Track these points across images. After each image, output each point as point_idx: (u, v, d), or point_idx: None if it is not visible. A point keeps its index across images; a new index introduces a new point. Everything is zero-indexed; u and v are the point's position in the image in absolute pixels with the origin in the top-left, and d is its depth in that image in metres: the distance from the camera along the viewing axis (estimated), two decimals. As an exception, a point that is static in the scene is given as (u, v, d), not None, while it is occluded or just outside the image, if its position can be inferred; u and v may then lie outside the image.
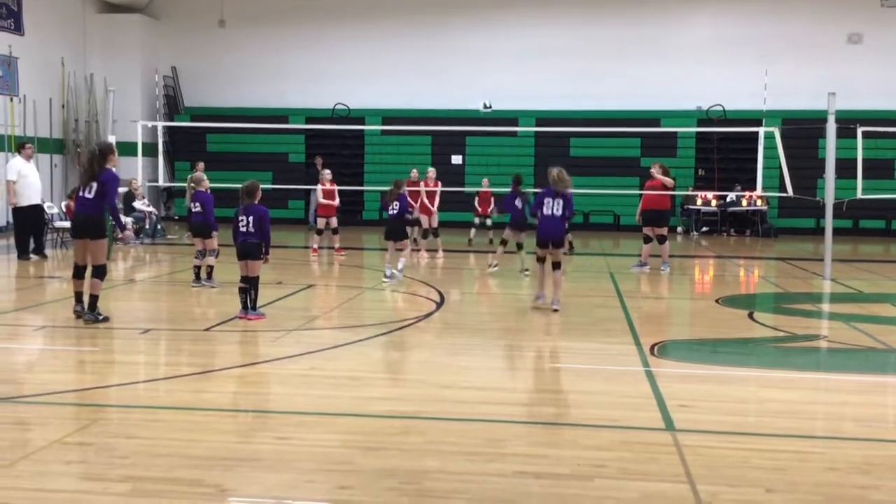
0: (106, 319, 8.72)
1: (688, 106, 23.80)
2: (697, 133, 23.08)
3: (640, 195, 14.93)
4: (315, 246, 15.85)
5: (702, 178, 23.63)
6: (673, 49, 23.94)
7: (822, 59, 23.06)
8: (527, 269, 12.87)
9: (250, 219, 9.13)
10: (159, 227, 19.61)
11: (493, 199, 17.95)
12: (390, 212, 12.44)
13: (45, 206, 15.92)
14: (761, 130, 16.20)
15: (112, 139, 14.73)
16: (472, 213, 18.87)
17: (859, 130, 14.19)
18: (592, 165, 23.28)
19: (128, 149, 18.80)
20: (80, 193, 8.88)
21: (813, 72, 22.67)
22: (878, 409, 6.24)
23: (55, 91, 22.70)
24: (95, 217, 8.82)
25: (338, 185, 16.13)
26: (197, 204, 11.56)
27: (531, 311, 9.86)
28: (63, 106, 23.00)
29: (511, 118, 23.64)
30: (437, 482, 4.42)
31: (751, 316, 10.02)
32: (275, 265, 13.67)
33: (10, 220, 16.10)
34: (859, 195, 14.57)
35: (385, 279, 11.94)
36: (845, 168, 14.51)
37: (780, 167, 14.76)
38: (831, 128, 13.18)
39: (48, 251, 15.13)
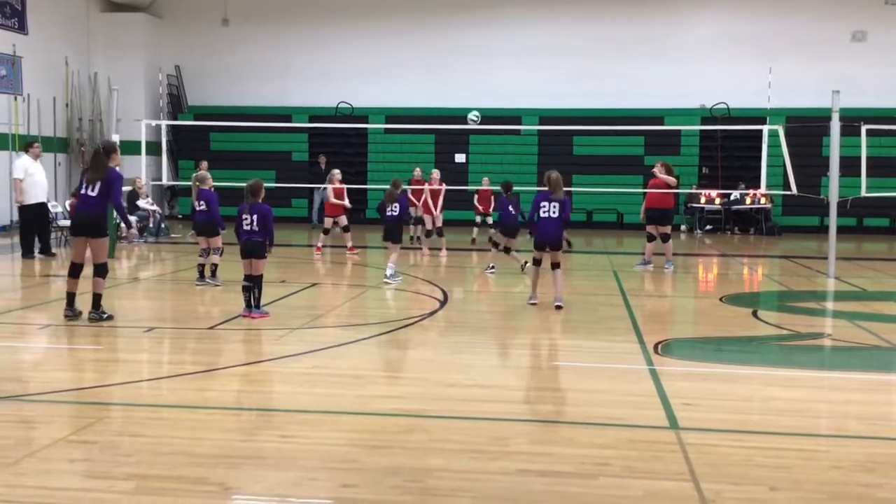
0: (110, 318, 8.73)
1: (691, 104, 23.75)
2: (701, 131, 23.02)
3: (644, 193, 14.93)
4: (319, 244, 15.86)
5: (705, 176, 23.61)
6: (676, 47, 23.90)
7: (826, 57, 23.02)
8: (526, 262, 12.96)
9: (254, 217, 9.14)
10: (163, 225, 19.63)
11: (493, 198, 17.92)
12: (388, 213, 12.18)
13: (49, 205, 15.95)
14: (765, 128, 16.16)
15: (116, 138, 14.74)
16: (474, 211, 18.86)
17: (863, 128, 14.16)
18: (596, 164, 23.29)
19: (131, 147, 18.85)
20: (83, 191, 8.86)
21: (817, 69, 22.63)
22: (882, 407, 6.23)
23: (59, 90, 22.73)
24: (98, 215, 8.82)
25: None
26: (201, 202, 11.57)
27: (534, 310, 9.86)
28: (67, 105, 23.03)
29: (514, 116, 23.63)
30: (441, 480, 4.42)
31: (755, 314, 10.01)
32: (278, 264, 13.71)
33: (15, 218, 16.13)
34: (863, 193, 14.55)
35: (386, 279, 11.94)
36: (849, 166, 14.48)
37: (784, 165, 14.73)
38: (835, 125, 13.15)
39: (52, 250, 15.15)
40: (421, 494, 4.23)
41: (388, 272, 11.90)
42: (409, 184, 17.27)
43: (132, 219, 17.37)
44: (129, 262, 14.88)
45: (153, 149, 20.35)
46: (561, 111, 23.48)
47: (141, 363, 7.30)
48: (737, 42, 23.58)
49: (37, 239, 14.65)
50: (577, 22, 24.35)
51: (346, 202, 15.77)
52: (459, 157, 23.94)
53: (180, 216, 24.23)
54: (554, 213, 9.98)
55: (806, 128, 19.01)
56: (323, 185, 18.16)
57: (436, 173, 16.95)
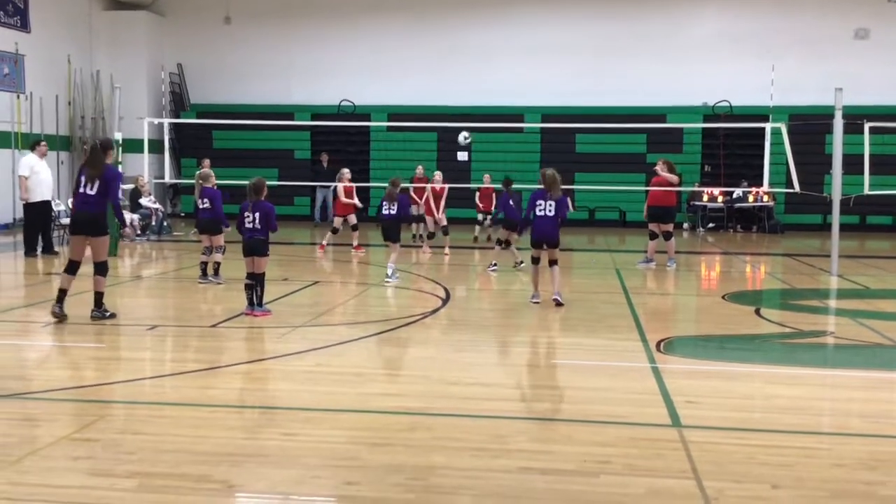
0: (112, 316, 8.74)
1: (694, 102, 23.74)
2: (703, 129, 23.01)
3: (647, 191, 14.92)
4: (323, 243, 15.82)
5: (708, 174, 23.59)
6: (679, 45, 23.87)
7: (828, 55, 22.98)
8: (521, 262, 13.17)
9: (256, 215, 9.15)
10: (165, 223, 19.65)
11: (494, 196, 17.90)
12: (385, 212, 11.92)
13: (52, 203, 15.97)
14: (768, 126, 16.13)
15: (118, 136, 14.79)
16: (475, 209, 18.86)
17: (866, 126, 14.12)
18: (598, 162, 23.28)
19: (134, 146, 18.86)
20: (82, 190, 8.79)
21: (819, 67, 22.59)
22: (884, 405, 6.22)
23: (61, 88, 22.74)
24: (97, 214, 8.78)
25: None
26: (205, 200, 11.56)
27: (536, 308, 9.86)
28: (69, 103, 23.05)
29: (517, 114, 23.62)
30: (444, 478, 4.42)
31: (757, 312, 10.00)
32: (280, 262, 13.72)
33: (18, 216, 16.14)
34: (866, 191, 14.51)
35: (388, 278, 11.93)
36: (852, 164, 14.46)
37: (787, 163, 14.71)
38: (838, 123, 13.13)
39: (55, 248, 15.16)
40: (423, 492, 4.24)
41: (389, 271, 11.92)
42: (412, 181, 17.25)
43: (133, 217, 17.61)
44: (132, 260, 14.89)
45: (156, 147, 20.38)
46: (563, 109, 23.45)
47: (143, 361, 7.32)
48: (739, 40, 23.54)
49: (40, 237, 14.67)
50: (580, 20, 24.33)
51: (357, 201, 15.76)
52: (462, 155, 23.91)
53: (182, 214, 24.23)
54: (550, 211, 9.96)
55: (809, 125, 18.98)
56: (331, 184, 18.14)
57: (438, 175, 16.87)
